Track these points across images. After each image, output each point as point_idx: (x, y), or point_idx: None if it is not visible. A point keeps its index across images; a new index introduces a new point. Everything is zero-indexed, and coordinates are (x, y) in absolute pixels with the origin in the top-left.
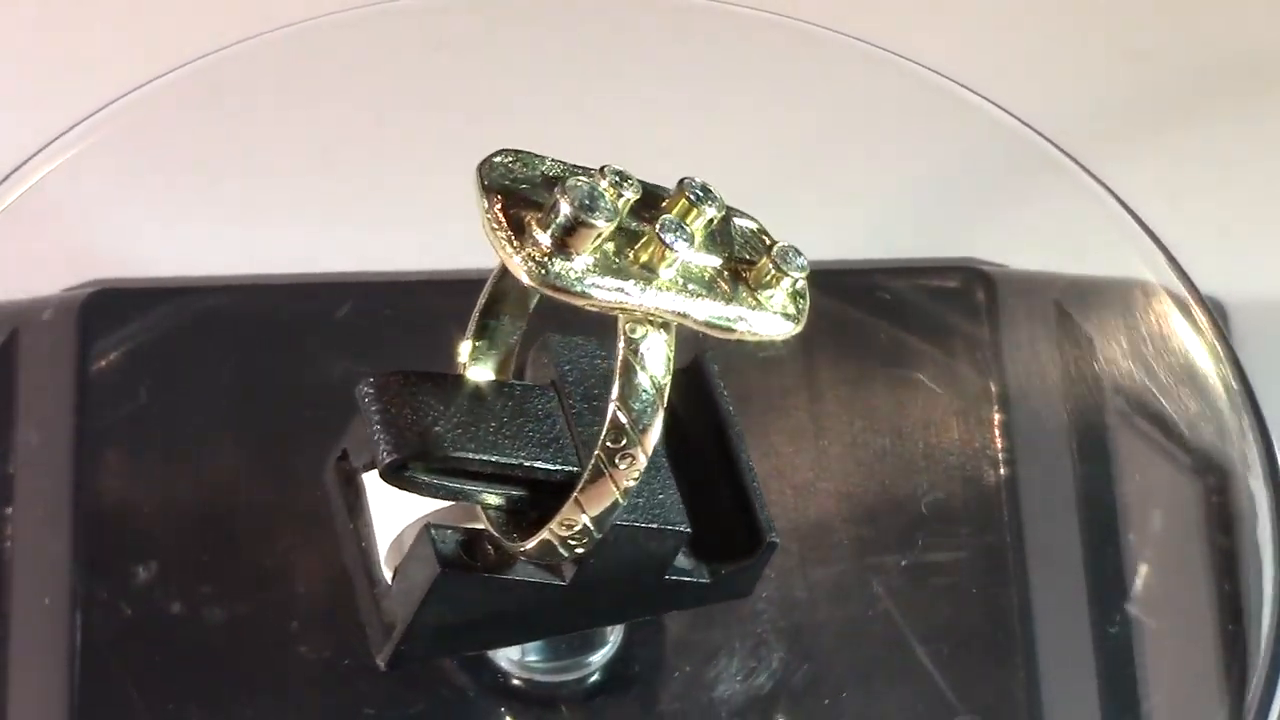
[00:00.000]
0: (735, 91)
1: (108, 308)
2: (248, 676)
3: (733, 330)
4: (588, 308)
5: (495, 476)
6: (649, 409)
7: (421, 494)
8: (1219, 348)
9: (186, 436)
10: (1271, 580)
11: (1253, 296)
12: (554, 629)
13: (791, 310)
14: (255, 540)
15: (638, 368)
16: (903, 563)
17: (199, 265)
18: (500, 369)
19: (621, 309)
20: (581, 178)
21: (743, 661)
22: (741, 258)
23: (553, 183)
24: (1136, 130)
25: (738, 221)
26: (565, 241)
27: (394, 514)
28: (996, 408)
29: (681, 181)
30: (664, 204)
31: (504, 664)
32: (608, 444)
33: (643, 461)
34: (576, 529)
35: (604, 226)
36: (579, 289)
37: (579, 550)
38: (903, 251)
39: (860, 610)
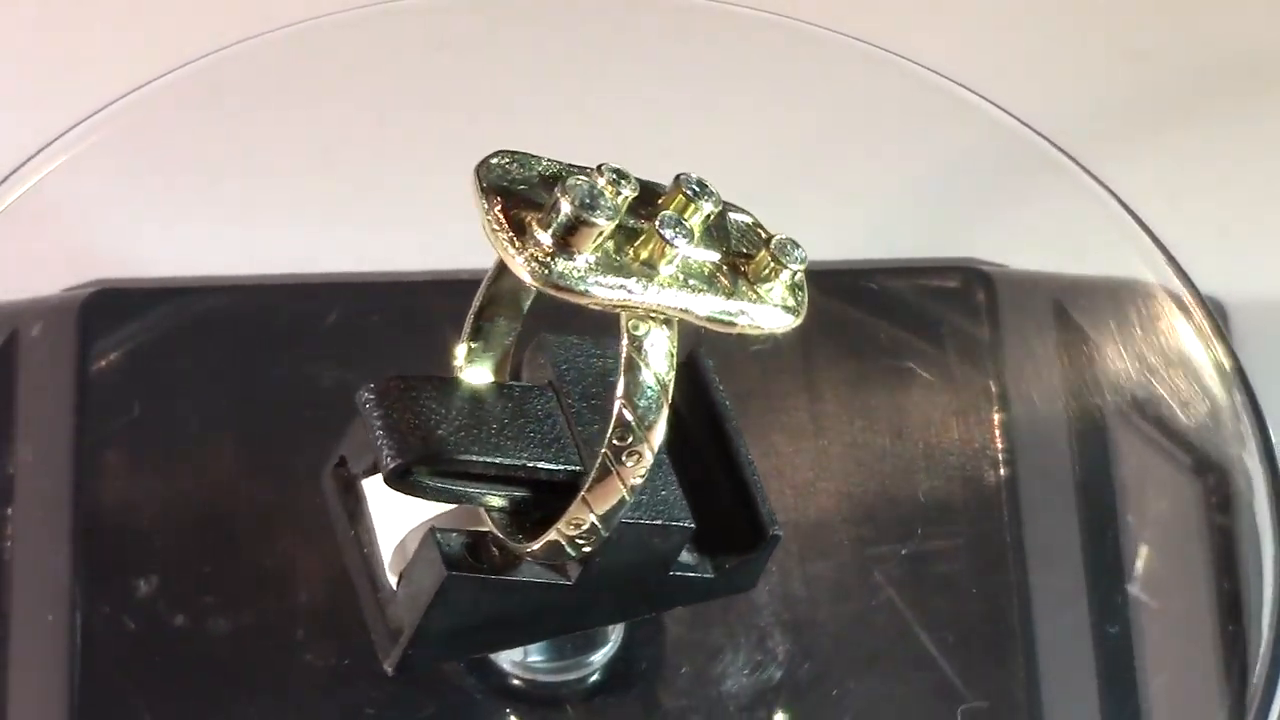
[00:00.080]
0: (735, 91)
1: (108, 308)
2: (254, 683)
3: (734, 324)
4: (591, 306)
5: (498, 478)
6: (654, 406)
7: (426, 498)
8: (1219, 348)
9: (186, 437)
10: (1271, 580)
11: (1253, 296)
12: (560, 629)
13: (791, 302)
14: (256, 541)
15: (642, 365)
16: (903, 560)
17: (199, 265)
18: (497, 370)
19: (625, 306)
20: (581, 176)
21: (748, 655)
22: (739, 251)
23: (550, 183)
24: (1136, 130)
25: (733, 216)
26: (567, 241)
27: (395, 519)
28: (996, 408)
29: (678, 177)
30: (660, 200)
31: (506, 665)
32: (614, 442)
33: (649, 458)
34: (584, 528)
35: (605, 225)
36: (582, 288)
37: (586, 549)
38: (903, 251)
39: (862, 605)
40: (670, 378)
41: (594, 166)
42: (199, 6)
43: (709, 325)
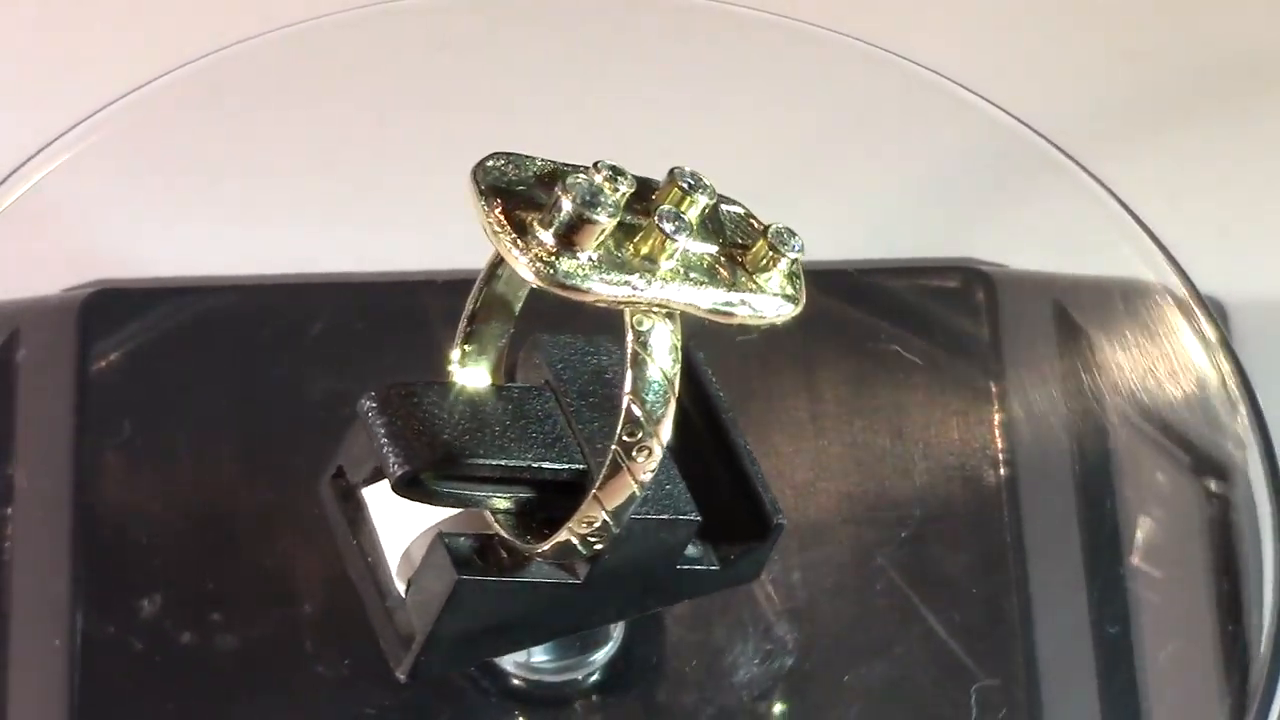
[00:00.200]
0: (735, 91)
1: (108, 308)
2: (267, 694)
3: (736, 315)
4: (596, 304)
5: (503, 480)
6: (662, 400)
7: (433, 503)
8: (1219, 348)
9: (187, 437)
10: (1271, 580)
11: (1253, 296)
12: (570, 627)
13: (790, 291)
14: (256, 542)
15: (648, 360)
16: (903, 560)
17: (199, 265)
18: (493, 373)
19: (629, 302)
20: (580, 174)
21: (757, 645)
22: (735, 242)
23: (547, 182)
24: (1136, 130)
25: (725, 208)
26: (570, 239)
27: (399, 527)
28: (996, 408)
29: (672, 171)
30: (655, 195)
31: (508, 666)
32: (623, 438)
33: (659, 453)
34: (596, 526)
35: (607, 221)
36: (587, 286)
37: (597, 547)
38: (903, 251)
39: (862, 609)
40: (676, 371)
41: (590, 164)
42: (199, 6)
43: (711, 317)
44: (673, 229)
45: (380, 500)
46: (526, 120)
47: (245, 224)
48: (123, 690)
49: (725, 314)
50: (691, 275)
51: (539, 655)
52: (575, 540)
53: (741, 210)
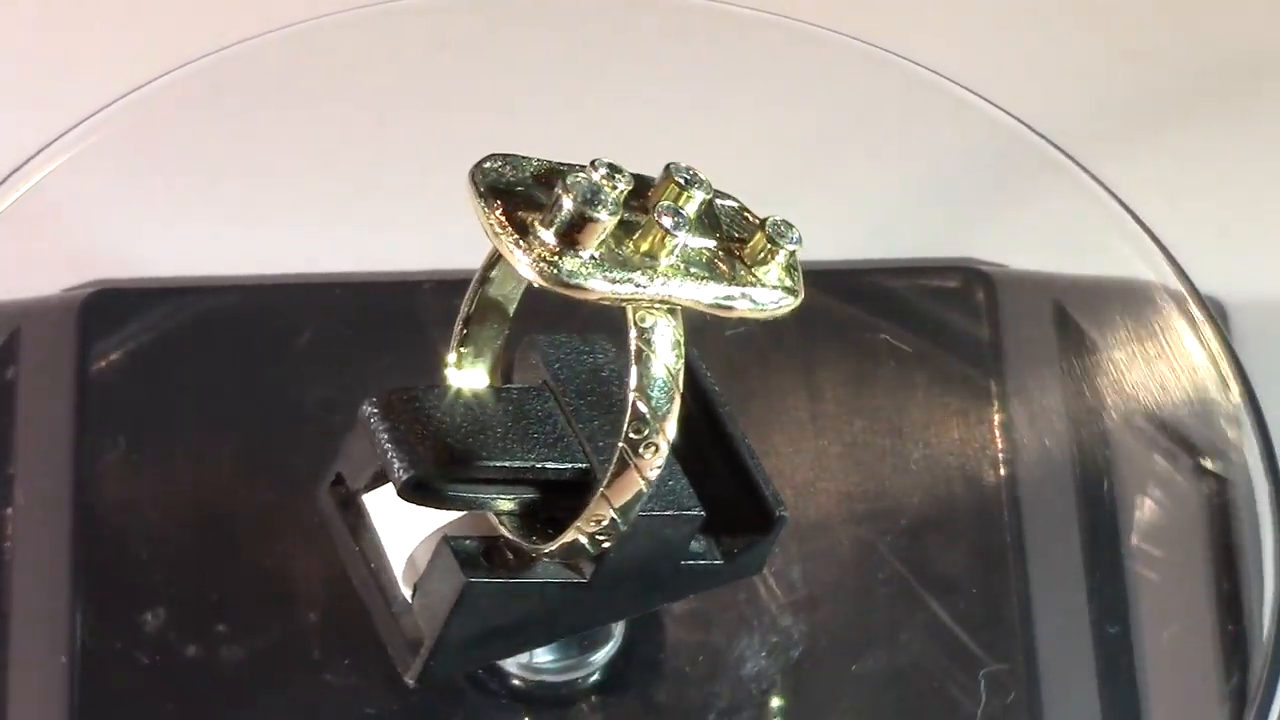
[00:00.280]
0: (735, 91)
1: (108, 308)
2: (265, 694)
3: (737, 309)
4: (601, 302)
5: (507, 481)
6: (667, 396)
7: (438, 507)
8: (1219, 348)
9: (187, 437)
10: (1271, 580)
11: (1253, 296)
12: (576, 626)
13: (789, 283)
14: (257, 542)
15: (651, 356)
16: (902, 559)
17: (199, 265)
18: (489, 374)
19: (632, 300)
20: (580, 173)
21: (763, 637)
22: (732, 236)
23: (544, 181)
24: (1136, 130)
25: (719, 202)
26: (572, 238)
27: (402, 532)
28: (996, 408)
29: (668, 167)
30: (651, 192)
31: (511, 667)
32: (630, 435)
33: (665, 449)
34: (604, 524)
35: (609, 219)
36: (591, 285)
37: (605, 544)
38: (903, 251)
39: (861, 610)
40: (680, 367)
41: (587, 162)
42: (199, 6)
43: (714, 311)
44: (672, 224)
45: (382, 506)
46: (526, 120)
47: (245, 224)
48: (123, 693)
49: (726, 308)
50: (692, 270)
51: (541, 656)
52: (583, 539)
53: (735, 204)
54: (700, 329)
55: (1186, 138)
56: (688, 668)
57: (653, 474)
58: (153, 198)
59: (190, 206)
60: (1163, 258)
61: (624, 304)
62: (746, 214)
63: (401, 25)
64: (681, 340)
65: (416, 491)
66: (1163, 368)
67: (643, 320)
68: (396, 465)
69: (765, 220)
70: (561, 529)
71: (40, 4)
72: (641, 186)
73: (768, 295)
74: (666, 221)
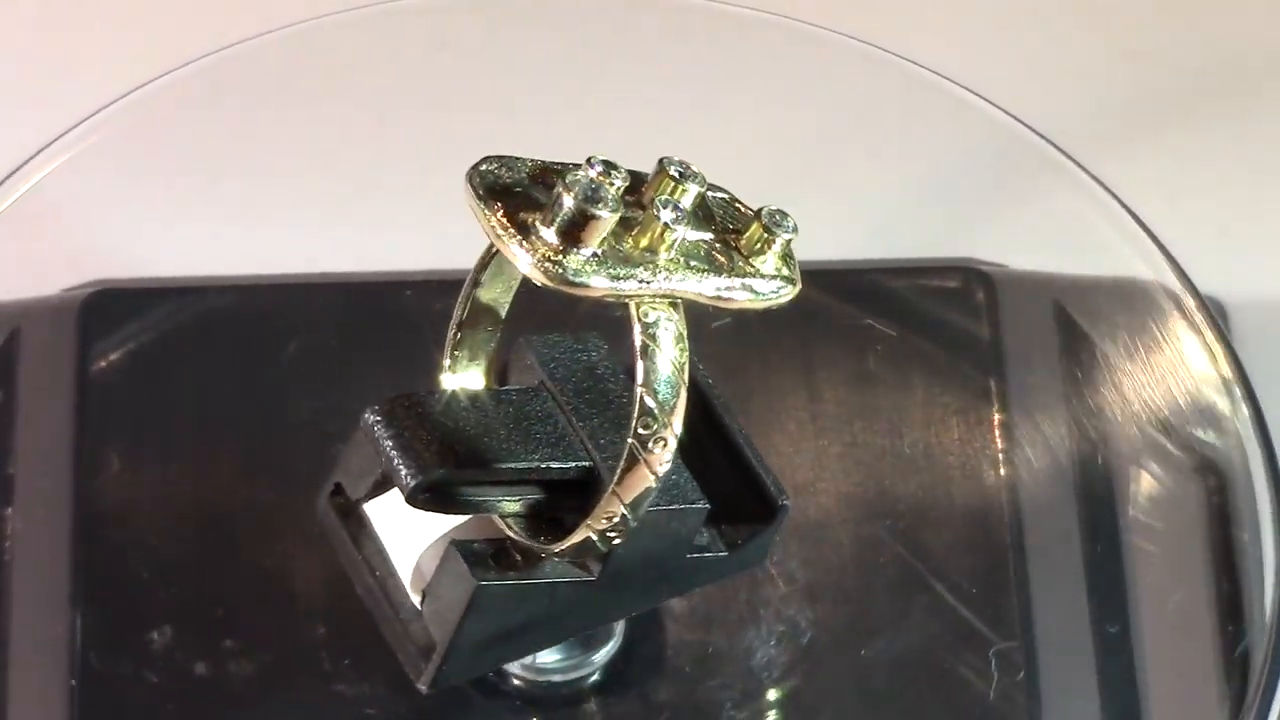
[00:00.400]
0: (735, 91)
1: (108, 308)
2: (268, 693)
3: (738, 300)
4: (605, 299)
5: (512, 482)
6: (673, 390)
7: (446, 512)
8: (1219, 348)
9: (187, 437)
10: (1271, 580)
11: (1253, 296)
12: (585, 625)
13: (786, 272)
14: (257, 542)
15: (657, 351)
16: (902, 559)
17: (199, 265)
18: (484, 376)
19: (637, 295)
20: (580, 172)
21: (770, 627)
22: (726, 227)
23: (539, 181)
24: (1136, 130)
25: (711, 194)
26: (574, 236)
27: (407, 539)
28: (996, 408)
29: (661, 161)
30: (645, 187)
31: (514, 668)
32: (639, 430)
33: (673, 443)
34: (615, 520)
35: (611, 216)
36: (596, 282)
37: (615, 541)
38: (903, 251)
39: (860, 611)
40: (685, 360)
41: (583, 160)
42: (199, 6)
43: (715, 304)
44: (671, 218)
45: (384, 514)
46: (526, 120)
47: (245, 224)
48: (124, 695)
49: (727, 300)
50: (692, 264)
51: (544, 656)
52: (594, 536)
53: (726, 196)
54: (713, 332)
55: (1186, 138)
56: (687, 667)
57: (662, 468)
58: (153, 198)
59: (190, 206)
60: (1163, 258)
61: (627, 300)
62: (738, 205)
63: (401, 25)
64: (684, 334)
65: (425, 497)
66: (1163, 368)
67: (646, 315)
68: (404, 472)
69: (760, 210)
70: (564, 528)
71: (40, 4)
72: (635, 182)
73: (767, 285)
74: (665, 215)
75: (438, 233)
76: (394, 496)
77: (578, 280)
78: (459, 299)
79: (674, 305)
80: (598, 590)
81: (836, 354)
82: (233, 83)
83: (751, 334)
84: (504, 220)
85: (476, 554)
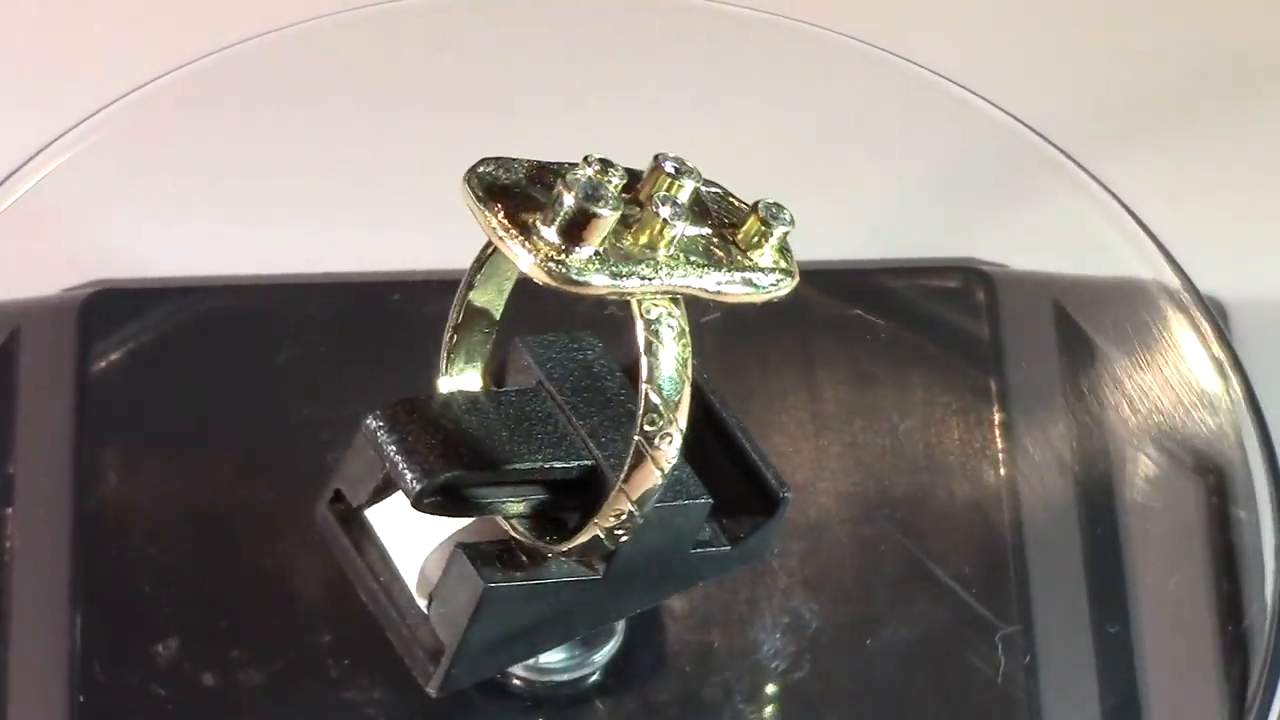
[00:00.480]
0: (735, 91)
1: (108, 308)
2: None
3: (737, 294)
4: (609, 297)
5: (516, 483)
6: (678, 385)
7: (452, 515)
8: (1219, 348)
9: (187, 437)
10: (1271, 580)
11: (1253, 296)
12: (591, 623)
13: (784, 265)
14: (257, 542)
15: (660, 347)
16: (902, 559)
17: (199, 265)
18: (481, 379)
19: (639, 292)
20: (580, 171)
21: (774, 619)
22: (723, 222)
23: (537, 181)
24: (1136, 130)
25: (705, 189)
26: (576, 235)
27: (410, 543)
28: (996, 408)
29: (656, 158)
30: (640, 184)
31: (517, 669)
32: (645, 427)
33: (679, 438)
34: (623, 517)
35: (611, 214)
36: (599, 280)
37: (623, 538)
38: (903, 251)
39: (860, 612)
40: (688, 355)
41: (580, 159)
42: (199, 6)
43: (715, 298)
44: (670, 214)
45: (386, 519)
46: (526, 120)
47: (245, 224)
48: (124, 696)
49: (728, 294)
50: (691, 259)
51: (546, 656)
52: (602, 534)
53: (719, 190)
54: (712, 332)
55: (1186, 138)
56: (687, 667)
57: (669, 464)
58: (152, 198)
59: (190, 206)
60: (1163, 258)
61: (629, 298)
62: (732, 199)
63: (401, 25)
64: (686, 329)
65: (431, 500)
66: (1163, 367)
67: (648, 312)
68: (409, 476)
69: (757, 204)
70: (566, 527)
71: (40, 4)
72: (631, 179)
73: (766, 278)
74: (664, 212)
75: (437, 233)
76: (395, 501)
77: (580, 279)
78: (454, 302)
79: (675, 301)
80: (603, 589)
81: (836, 354)
82: (233, 83)
83: (751, 334)
84: (504, 221)
85: (483, 556)
